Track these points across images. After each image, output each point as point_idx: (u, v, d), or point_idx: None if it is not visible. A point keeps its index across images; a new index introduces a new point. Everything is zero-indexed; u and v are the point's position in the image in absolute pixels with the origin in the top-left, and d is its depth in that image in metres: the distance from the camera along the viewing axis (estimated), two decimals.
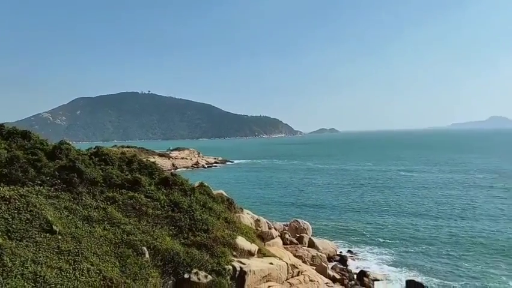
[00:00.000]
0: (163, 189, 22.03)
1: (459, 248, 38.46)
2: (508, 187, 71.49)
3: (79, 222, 16.05)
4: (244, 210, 31.17)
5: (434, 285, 30.08)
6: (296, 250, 32.37)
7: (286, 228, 39.83)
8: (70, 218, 16.11)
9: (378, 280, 31.70)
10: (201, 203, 22.34)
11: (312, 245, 36.47)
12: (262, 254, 20.66)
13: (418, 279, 30.98)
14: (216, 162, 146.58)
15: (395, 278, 32.12)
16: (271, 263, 18.78)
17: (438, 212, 53.43)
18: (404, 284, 30.59)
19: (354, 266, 34.71)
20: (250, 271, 16.78)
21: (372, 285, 30.57)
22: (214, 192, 28.43)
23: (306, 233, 38.74)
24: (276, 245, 27.82)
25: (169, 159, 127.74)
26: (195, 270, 14.85)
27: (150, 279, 13.98)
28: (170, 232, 18.29)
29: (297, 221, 40.70)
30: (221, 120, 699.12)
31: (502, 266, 33.56)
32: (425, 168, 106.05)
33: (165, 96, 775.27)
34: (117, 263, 14.11)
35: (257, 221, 30.76)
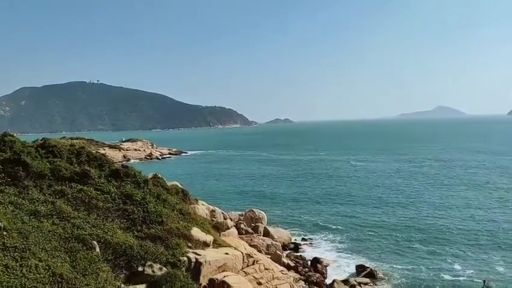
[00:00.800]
0: (114, 182, 21.39)
1: (405, 233, 40.25)
2: (452, 175, 75.50)
3: (25, 217, 15.30)
4: (199, 201, 30.96)
5: (383, 269, 31.37)
6: (251, 239, 32.62)
7: (242, 218, 40.03)
8: (15, 213, 15.33)
9: (331, 266, 32.66)
10: (155, 194, 21.91)
11: (267, 234, 36.91)
12: (217, 244, 20.63)
13: (368, 264, 32.22)
14: (170, 154, 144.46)
15: (347, 264, 33.25)
16: (226, 253, 18.79)
17: (387, 200, 55.59)
18: (354, 269, 31.72)
19: (308, 253, 35.53)
20: (205, 262, 16.71)
21: (325, 271, 31.43)
22: (169, 183, 28.00)
23: (261, 223, 39.12)
24: (231, 235, 27.90)
25: (120, 150, 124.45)
26: (149, 263, 14.57)
27: (101, 273, 13.58)
28: (123, 225, 17.84)
29: (253, 210, 40.99)
30: (175, 110, 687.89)
31: (446, 248, 35.49)
32: (375, 158, 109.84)
33: (115, 86, 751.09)
34: (67, 258, 13.60)
35: (212, 211, 30.68)
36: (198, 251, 17.27)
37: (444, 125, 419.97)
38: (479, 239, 37.57)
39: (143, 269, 14.33)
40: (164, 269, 14.62)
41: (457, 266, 31.57)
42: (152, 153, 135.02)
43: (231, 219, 34.81)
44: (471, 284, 28.20)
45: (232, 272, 18.20)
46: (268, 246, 32.71)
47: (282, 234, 38.46)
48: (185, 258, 16.26)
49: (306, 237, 39.84)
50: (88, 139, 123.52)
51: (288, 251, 35.41)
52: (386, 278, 30.08)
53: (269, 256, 29.90)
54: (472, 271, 30.42)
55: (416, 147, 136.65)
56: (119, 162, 49.08)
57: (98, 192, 19.47)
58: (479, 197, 54.81)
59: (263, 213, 40.92)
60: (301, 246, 37.21)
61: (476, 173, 75.53)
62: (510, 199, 52.81)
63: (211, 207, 31.43)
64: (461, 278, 29.23)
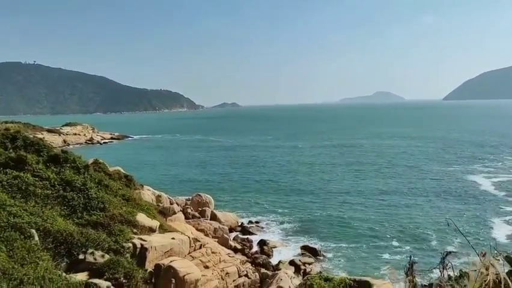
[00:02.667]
0: (52, 168, 20.43)
1: (348, 214, 41.89)
2: (394, 163, 79.13)
3: None
4: (144, 186, 30.39)
5: (326, 249, 32.56)
6: (198, 224, 32.58)
7: (189, 202, 39.78)
8: None
9: (277, 247, 33.38)
10: (96, 180, 21.20)
11: (214, 218, 36.98)
12: (164, 229, 20.40)
13: (312, 244, 33.29)
14: (112, 138, 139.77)
15: (292, 245, 34.14)
16: (173, 238, 18.63)
17: (331, 184, 57.41)
18: (299, 249, 32.64)
19: (255, 236, 36.05)
20: (151, 247, 16.49)
21: (271, 253, 32.09)
22: (111, 169, 27.20)
23: (209, 207, 39.08)
24: (178, 220, 27.69)
25: (59, 135, 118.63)
26: (90, 251, 14.14)
27: (41, 262, 13.02)
28: (63, 212, 17.15)
29: (199, 195, 40.81)
30: (118, 93, 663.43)
31: (385, 225, 37.36)
32: (321, 143, 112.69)
33: (53, 67, 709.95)
34: (3, 248, 12.91)
35: (158, 197, 30.24)
36: (143, 237, 16.99)
37: (384, 108, 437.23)
38: (415, 219, 39.82)
39: (85, 257, 13.90)
40: (107, 256, 14.26)
41: (394, 243, 33.40)
42: (94, 138, 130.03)
43: (178, 204, 34.53)
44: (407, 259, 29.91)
45: (179, 256, 18.10)
46: (215, 230, 32.84)
47: (229, 218, 38.68)
48: (129, 245, 15.95)
49: (253, 221, 40.34)
50: (25, 123, 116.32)
51: (235, 234, 35.74)
52: (330, 257, 31.28)
53: (216, 240, 30.05)
54: (408, 247, 32.31)
55: (356, 130, 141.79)
56: (58, 147, 46.87)
57: (36, 179, 18.54)
58: (417, 182, 57.95)
59: (210, 197, 40.86)
60: (249, 229, 37.67)
61: (421, 160, 79.77)
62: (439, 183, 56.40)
63: (157, 193, 30.98)
64: (397, 257, 30.93)
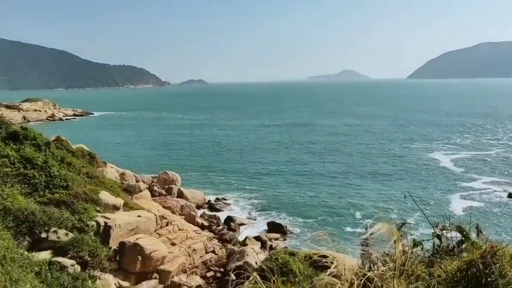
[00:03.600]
0: (12, 145, 19.70)
1: (314, 190, 42.75)
2: (358, 141, 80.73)
3: None
4: (108, 164, 29.82)
5: (293, 224, 33.23)
6: (165, 201, 32.39)
7: (155, 180, 39.43)
8: None
9: (243, 224, 33.76)
10: (58, 158, 20.63)
11: (181, 195, 36.86)
12: (129, 207, 20.20)
13: (278, 220, 33.86)
14: (75, 115, 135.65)
15: (259, 221, 34.61)
16: (138, 216, 18.51)
17: (298, 159, 58.22)
18: (266, 226, 33.13)
19: (222, 212, 36.28)
20: (115, 225, 16.33)
21: (238, 229, 32.44)
22: (74, 146, 26.49)
23: (175, 184, 38.88)
24: (143, 198, 27.44)
25: (18, 111, 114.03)
26: (53, 229, 13.88)
27: (1, 241, 12.68)
28: (23, 191, 16.68)
29: (166, 172, 40.48)
30: (80, 69, 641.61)
31: (349, 200, 38.42)
32: (285, 121, 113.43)
33: (11, 40, 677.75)
34: None
35: (122, 174, 29.79)
36: (107, 215, 16.79)
37: (350, 87, 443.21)
38: (377, 194, 41.08)
39: (47, 235, 13.64)
40: (70, 234, 14.05)
41: (358, 215, 34.53)
42: (55, 115, 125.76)
43: (143, 182, 34.14)
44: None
45: (145, 234, 18.03)
46: (182, 207, 32.75)
47: (196, 195, 38.68)
48: (93, 223, 15.75)
49: (220, 198, 40.50)
50: None
51: (203, 211, 35.84)
52: (296, 232, 31.95)
53: (183, 217, 30.02)
54: (369, 220, 33.37)
55: (323, 106, 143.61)
56: (18, 123, 45.05)
57: None
58: (380, 160, 59.56)
59: (177, 175, 40.61)
60: (216, 206, 37.84)
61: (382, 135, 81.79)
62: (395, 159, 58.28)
63: (121, 170, 30.51)
64: (358, 229, 31.96)
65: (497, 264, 2.50)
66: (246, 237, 30.11)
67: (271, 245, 29.14)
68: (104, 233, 15.90)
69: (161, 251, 17.16)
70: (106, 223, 16.09)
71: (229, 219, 33.76)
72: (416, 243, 3.09)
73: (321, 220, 34.14)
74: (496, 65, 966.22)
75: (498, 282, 2.45)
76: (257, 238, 30.20)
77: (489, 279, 2.44)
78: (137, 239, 16.82)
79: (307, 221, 34.20)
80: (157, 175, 41.06)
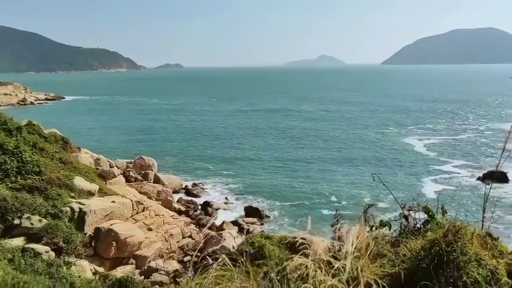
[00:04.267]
0: None
1: (291, 175, 43.20)
2: (334, 127, 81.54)
3: None
4: (82, 149, 29.34)
5: (269, 208, 33.57)
6: (141, 187, 32.16)
7: (131, 166, 39.01)
8: None
9: (221, 209, 33.89)
10: (31, 143, 20.16)
11: (157, 180, 36.63)
12: (104, 193, 19.99)
13: (255, 204, 34.12)
14: (47, 99, 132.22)
15: (236, 206, 34.82)
16: (113, 202, 18.35)
17: (274, 144, 58.56)
18: (243, 210, 33.35)
19: (199, 198, 36.28)
20: (90, 211, 16.17)
21: (215, 214, 32.53)
22: (46, 131, 25.90)
23: (152, 170, 38.58)
24: (118, 183, 27.21)
25: None
26: (26, 215, 13.64)
27: None
28: None
29: (142, 158, 40.07)
30: (51, 52, 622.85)
31: (323, 186, 38.99)
32: (262, 106, 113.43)
33: None
34: None
35: (97, 160, 29.37)
36: (82, 201, 16.60)
37: (328, 73, 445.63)
38: (352, 178, 41.80)
39: (20, 222, 13.41)
40: (44, 220, 13.84)
41: (333, 198, 35.13)
42: (27, 99, 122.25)
43: (118, 168, 33.77)
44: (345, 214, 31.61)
45: (120, 219, 17.92)
46: (158, 192, 32.60)
47: (173, 180, 38.52)
48: (67, 209, 15.55)
49: (197, 183, 40.44)
50: None
51: (180, 197, 35.77)
52: (273, 217, 32.29)
53: (160, 202, 29.92)
54: (344, 202, 34.16)
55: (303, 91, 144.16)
56: None
57: None
58: (355, 145, 60.44)
59: (153, 160, 40.26)
60: (193, 192, 37.79)
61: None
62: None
63: (96, 156, 30.06)
64: (333, 213, 32.50)
65: (459, 243, 2.62)
66: (223, 222, 30.26)
67: (248, 229, 29.36)
68: (79, 219, 15.73)
69: (137, 236, 17.11)
70: (80, 209, 15.91)
71: (206, 204, 33.83)
72: (383, 224, 3.21)
73: (298, 204, 34.57)
74: (469, 52, 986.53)
75: (459, 260, 2.57)
76: (234, 223, 30.41)
77: (451, 256, 2.56)
78: (111, 224, 16.72)
79: (284, 204, 34.58)
80: (132, 160, 40.62)
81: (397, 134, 66.16)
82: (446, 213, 3.30)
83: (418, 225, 3.19)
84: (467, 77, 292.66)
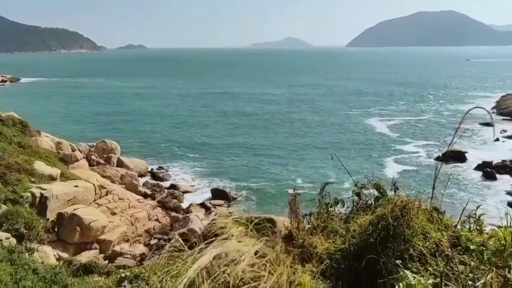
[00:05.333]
0: None
1: (257, 155, 43.59)
2: (298, 110, 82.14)
3: None
4: (42, 133, 28.42)
5: (236, 190, 33.84)
6: (104, 171, 31.63)
7: (93, 149, 38.13)
8: None
9: (187, 192, 33.87)
10: None
11: (121, 164, 36.05)
12: (66, 177, 19.57)
13: (222, 186, 34.30)
14: (3, 81, 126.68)
15: (203, 188, 34.87)
16: (76, 186, 18.03)
17: (239, 124, 58.65)
18: (209, 193, 33.46)
19: (165, 181, 36.06)
20: (52, 196, 15.84)
21: (182, 197, 32.50)
22: (3, 114, 24.92)
23: (114, 153, 37.84)
24: (81, 167, 26.70)
25: None
26: None
27: None
28: None
29: (104, 141, 39.19)
30: (7, 31, 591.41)
31: (290, 168, 39.56)
32: (227, 90, 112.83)
33: None
34: None
35: (58, 143, 28.56)
36: (43, 186, 16.22)
37: (294, 55, 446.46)
38: (316, 160, 42.57)
39: None
40: (4, 206, 13.46)
41: (299, 181, 35.75)
42: None
43: (80, 151, 32.98)
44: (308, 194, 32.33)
45: (83, 204, 17.65)
46: (122, 176, 32.16)
47: (137, 163, 38.03)
48: (28, 194, 15.17)
49: (163, 166, 40.11)
50: None
51: (145, 180, 35.45)
52: (239, 197, 32.57)
53: (124, 186, 29.56)
54: (310, 184, 34.83)
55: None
56: None
57: None
58: (318, 127, 61.35)
59: (116, 143, 39.42)
60: (159, 175, 37.48)
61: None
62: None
63: (57, 139, 29.23)
64: (299, 191, 33.17)
65: (406, 217, 2.82)
66: (190, 205, 30.33)
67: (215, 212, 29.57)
68: (41, 205, 15.39)
69: (101, 220, 16.94)
70: (42, 194, 15.56)
71: (173, 187, 33.74)
72: (336, 201, 3.39)
73: (264, 186, 34.99)
74: (431, 35, 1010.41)
75: (405, 233, 2.77)
76: (201, 205, 30.53)
77: (397, 230, 2.75)
78: (74, 209, 16.46)
79: (251, 185, 34.92)
80: (95, 144, 39.72)
81: (360, 115, 67.58)
82: (398, 190, 3.49)
83: (369, 202, 3.39)
84: (426, 59, 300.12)
